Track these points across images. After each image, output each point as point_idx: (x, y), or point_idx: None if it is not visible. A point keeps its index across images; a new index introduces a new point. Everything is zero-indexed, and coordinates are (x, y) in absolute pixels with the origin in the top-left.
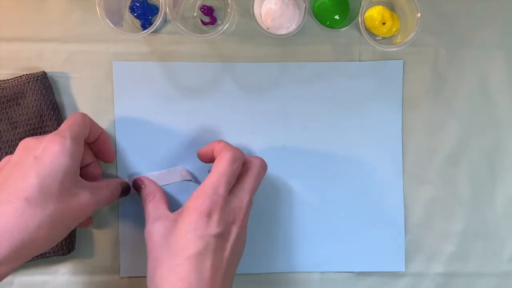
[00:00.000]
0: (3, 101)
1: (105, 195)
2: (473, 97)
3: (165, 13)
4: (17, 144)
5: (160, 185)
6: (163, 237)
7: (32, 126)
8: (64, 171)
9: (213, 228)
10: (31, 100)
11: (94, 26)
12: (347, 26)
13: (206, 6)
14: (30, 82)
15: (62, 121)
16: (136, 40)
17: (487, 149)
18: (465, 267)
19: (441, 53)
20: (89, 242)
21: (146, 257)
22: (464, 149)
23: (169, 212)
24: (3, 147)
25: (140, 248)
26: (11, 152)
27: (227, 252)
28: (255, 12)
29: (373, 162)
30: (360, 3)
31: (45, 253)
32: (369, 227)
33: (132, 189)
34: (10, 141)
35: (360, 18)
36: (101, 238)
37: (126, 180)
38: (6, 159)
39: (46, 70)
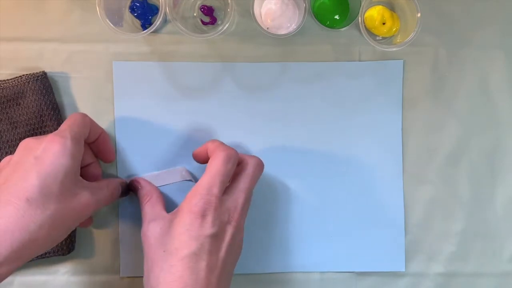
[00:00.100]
0: (3, 101)
1: (105, 195)
2: (473, 97)
3: (165, 13)
4: (17, 144)
5: (160, 185)
6: (159, 238)
7: (32, 126)
8: (65, 171)
9: (208, 228)
10: (31, 100)
11: (94, 26)
12: (347, 26)
13: (206, 6)
14: (30, 82)
15: (62, 121)
16: (136, 40)
17: (487, 149)
18: (465, 267)
19: (441, 53)
20: (89, 242)
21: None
22: (464, 149)
23: (165, 213)
24: (3, 147)
25: (140, 248)
26: (11, 152)
27: (222, 252)
28: (255, 12)
29: (373, 162)
30: (360, 3)
31: (45, 253)
32: (369, 227)
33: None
34: (10, 141)
35: (360, 18)
36: (101, 238)
37: (126, 180)
38: (6, 159)
39: (46, 70)
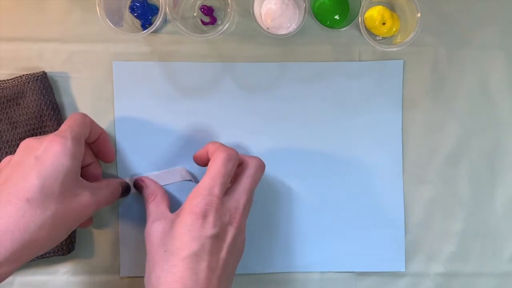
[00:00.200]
0: (3, 101)
1: (105, 196)
2: (473, 97)
3: (165, 13)
4: (17, 144)
5: (162, 184)
6: (161, 238)
7: (32, 126)
8: (65, 171)
9: (209, 229)
10: (31, 100)
11: (94, 26)
12: (347, 26)
13: (206, 6)
14: (30, 82)
15: (62, 121)
16: (136, 40)
17: (487, 149)
18: (465, 267)
19: (441, 53)
20: (89, 242)
21: (146, 257)
22: (464, 149)
23: (169, 213)
24: (3, 147)
25: (140, 248)
26: (11, 152)
27: (223, 253)
28: (255, 12)
29: (373, 162)
30: (360, 3)
31: (45, 253)
32: (369, 227)
33: (132, 189)
34: (10, 141)
35: (360, 18)
36: (101, 238)
37: (127, 180)
38: (7, 159)
39: (46, 70)
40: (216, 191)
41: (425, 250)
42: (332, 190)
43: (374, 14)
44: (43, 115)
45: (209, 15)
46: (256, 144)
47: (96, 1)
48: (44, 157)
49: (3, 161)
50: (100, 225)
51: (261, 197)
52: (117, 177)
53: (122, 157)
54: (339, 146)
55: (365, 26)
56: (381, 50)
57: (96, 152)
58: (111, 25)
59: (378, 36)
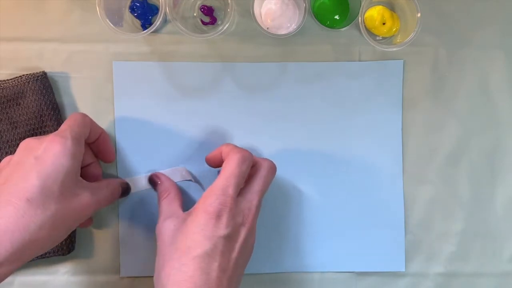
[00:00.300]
0: (3, 101)
1: (105, 196)
2: (473, 97)
3: (165, 13)
4: (17, 144)
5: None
6: (172, 236)
7: (32, 126)
8: (65, 171)
9: (222, 229)
10: (31, 100)
11: (94, 26)
12: (347, 26)
13: (206, 6)
14: (30, 82)
15: (62, 121)
16: (136, 40)
17: (487, 149)
18: (465, 267)
19: (441, 53)
20: (89, 242)
21: (146, 257)
22: (464, 149)
23: (181, 211)
24: (3, 147)
25: (140, 248)
26: (11, 152)
27: (235, 254)
28: (255, 12)
29: (373, 162)
30: (360, 3)
31: (45, 253)
32: (369, 227)
33: (132, 189)
34: (10, 141)
35: (360, 18)
36: (101, 238)
37: (127, 180)
38: (7, 159)
39: (46, 70)
40: (231, 191)
41: (425, 250)
42: (332, 190)
43: (374, 14)
44: (43, 115)
45: (209, 15)
46: (255, 144)
47: (96, 1)
48: (44, 157)
49: (3, 161)
50: (100, 225)
51: None
52: (117, 177)
53: (122, 157)
54: (339, 146)
55: (365, 26)
56: (381, 50)
57: (96, 152)
58: (111, 25)
59: (378, 36)
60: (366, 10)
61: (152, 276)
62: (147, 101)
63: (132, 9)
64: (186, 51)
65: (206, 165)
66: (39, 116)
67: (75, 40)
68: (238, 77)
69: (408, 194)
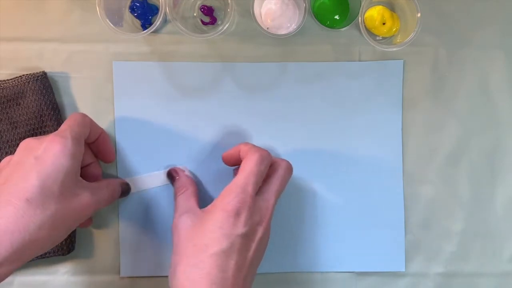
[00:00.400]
0: (3, 101)
1: (105, 196)
2: (473, 97)
3: (165, 13)
4: (17, 144)
5: (162, 184)
6: (189, 232)
7: (32, 126)
8: (65, 171)
9: (240, 227)
10: (31, 100)
11: (94, 26)
12: (347, 26)
13: (206, 6)
14: (30, 82)
15: (62, 121)
16: (136, 40)
17: (487, 149)
18: (465, 267)
19: (441, 53)
20: (89, 242)
21: (146, 257)
22: (464, 149)
23: (197, 208)
24: (3, 147)
25: (140, 248)
26: (11, 152)
27: (251, 253)
28: (255, 12)
29: (373, 162)
30: (360, 3)
31: (45, 253)
32: (369, 227)
33: (132, 189)
34: (10, 141)
35: (360, 18)
36: (101, 238)
37: (126, 180)
38: (6, 159)
39: (46, 70)
40: (250, 189)
41: (425, 250)
42: (332, 190)
43: (374, 14)
44: (43, 115)
45: (209, 15)
46: (256, 144)
47: (96, 1)
48: (44, 157)
49: (3, 161)
50: (100, 225)
51: None
52: (117, 177)
53: (122, 157)
54: (339, 146)
55: (365, 26)
56: (381, 50)
57: (96, 152)
58: (111, 25)
59: (378, 36)
60: (366, 10)
61: (152, 276)
62: (147, 101)
63: (132, 9)
64: (186, 51)
65: (206, 165)
66: (39, 116)
67: (75, 40)
68: (238, 77)
69: (408, 194)
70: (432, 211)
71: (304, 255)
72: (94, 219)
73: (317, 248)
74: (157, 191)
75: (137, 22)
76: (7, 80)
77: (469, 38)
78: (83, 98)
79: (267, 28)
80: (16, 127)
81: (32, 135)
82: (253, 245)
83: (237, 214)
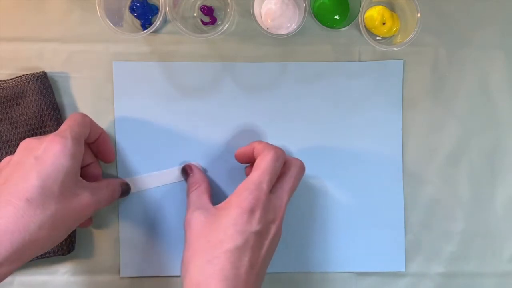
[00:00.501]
0: (3, 101)
1: (105, 196)
2: (473, 97)
3: (165, 13)
4: (17, 144)
5: (172, 182)
6: (202, 228)
7: (32, 126)
8: (65, 171)
9: (254, 225)
10: (31, 100)
11: (94, 26)
12: (347, 26)
13: (206, 6)
14: (30, 82)
15: (62, 121)
16: (136, 40)
17: (487, 149)
18: (465, 267)
19: (441, 53)
20: (89, 242)
21: (146, 257)
22: (464, 149)
23: (210, 205)
24: (3, 147)
25: (140, 248)
26: (11, 152)
27: (263, 250)
28: (255, 12)
29: (373, 162)
30: (360, 3)
31: (45, 253)
32: (369, 227)
33: (132, 189)
34: (10, 141)
35: (360, 18)
36: (101, 238)
37: (126, 180)
38: (6, 159)
39: (46, 70)
40: (265, 187)
41: (425, 250)
42: (332, 190)
43: (374, 14)
44: (43, 115)
45: (209, 15)
46: None
47: (96, 1)
48: (44, 157)
49: (3, 161)
50: (100, 225)
51: None
52: (117, 177)
53: (122, 157)
54: (339, 146)
55: (365, 26)
56: (381, 50)
57: (96, 152)
58: (111, 25)
59: (378, 36)
60: (366, 10)
61: (152, 276)
62: (147, 101)
63: (132, 9)
64: (186, 51)
65: (205, 165)
66: (39, 116)
67: (75, 40)
68: (238, 77)
69: (408, 194)
70: (432, 211)
71: (304, 255)
72: (94, 219)
73: (317, 248)
74: (157, 191)
75: (137, 22)
76: (7, 80)
77: (469, 38)
78: (83, 98)
79: (267, 28)
80: (16, 127)
81: (32, 135)
82: (266, 243)
83: (251, 211)
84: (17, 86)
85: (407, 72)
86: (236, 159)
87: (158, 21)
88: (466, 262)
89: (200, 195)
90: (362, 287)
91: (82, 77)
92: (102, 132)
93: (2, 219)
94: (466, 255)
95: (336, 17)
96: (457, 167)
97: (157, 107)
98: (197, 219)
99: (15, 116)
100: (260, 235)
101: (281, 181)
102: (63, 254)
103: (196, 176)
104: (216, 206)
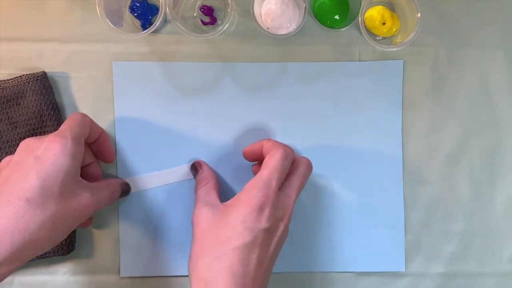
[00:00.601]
0: (3, 101)
1: (105, 196)
2: (473, 97)
3: (165, 13)
4: (17, 144)
5: (172, 182)
6: (210, 224)
7: (32, 126)
8: (65, 171)
9: (263, 222)
10: (31, 100)
11: (94, 26)
12: (347, 26)
13: (206, 6)
14: (30, 82)
15: (62, 121)
16: (136, 40)
17: (487, 149)
18: (465, 267)
19: (441, 53)
20: (89, 242)
21: (146, 257)
22: (464, 149)
23: (219, 202)
24: (3, 147)
25: (140, 248)
26: (11, 152)
27: (271, 248)
28: (255, 12)
29: (373, 162)
30: (360, 3)
31: (45, 253)
32: (369, 227)
33: (132, 189)
34: (10, 141)
35: (360, 18)
36: (101, 238)
37: (127, 180)
38: (7, 159)
39: (46, 70)
40: (274, 184)
41: (425, 250)
42: (332, 190)
43: (374, 14)
44: (43, 115)
45: (209, 15)
46: None
47: (96, 1)
48: (44, 157)
49: (3, 161)
50: (100, 225)
51: None
52: (117, 177)
53: (122, 157)
54: (338, 146)
55: (365, 26)
56: (381, 50)
57: (96, 152)
58: (111, 25)
59: (378, 36)
60: (366, 10)
61: (152, 276)
62: (147, 101)
63: (132, 9)
64: (186, 51)
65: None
66: (39, 116)
67: (75, 40)
68: (238, 77)
69: (408, 194)
70: (432, 211)
71: (304, 255)
72: (94, 219)
73: (317, 248)
74: (158, 191)
75: (137, 22)
76: (7, 80)
77: (469, 38)
78: (83, 98)
79: (267, 28)
80: (16, 127)
81: (32, 135)
82: (275, 240)
83: (260, 208)
84: (17, 86)
85: (407, 72)
86: (244, 156)
87: (158, 21)
88: (466, 262)
89: (208, 191)
90: (362, 287)
91: (82, 77)
92: (102, 132)
93: (2, 219)
94: (466, 255)
95: (336, 17)
96: (457, 167)
97: (157, 107)
98: (205, 215)
99: (15, 116)
100: (268, 232)
101: (290, 179)
102: (63, 254)
103: (205, 173)
104: (224, 203)
